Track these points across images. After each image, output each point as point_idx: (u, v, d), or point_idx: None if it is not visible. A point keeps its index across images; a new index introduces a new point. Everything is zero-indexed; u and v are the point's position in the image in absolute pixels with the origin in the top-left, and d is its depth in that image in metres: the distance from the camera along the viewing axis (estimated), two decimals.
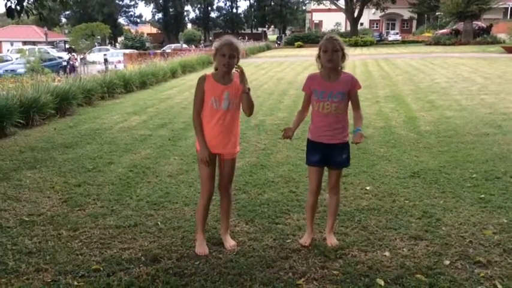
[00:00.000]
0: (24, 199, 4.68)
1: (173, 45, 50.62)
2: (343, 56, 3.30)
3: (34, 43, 44.84)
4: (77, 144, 7.05)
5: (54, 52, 35.86)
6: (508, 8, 50.60)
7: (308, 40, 48.97)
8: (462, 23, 39.09)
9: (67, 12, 70.95)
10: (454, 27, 42.12)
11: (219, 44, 3.26)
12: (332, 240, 3.54)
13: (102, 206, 4.45)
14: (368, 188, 4.86)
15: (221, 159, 3.44)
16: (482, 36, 37.96)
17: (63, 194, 4.83)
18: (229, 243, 3.55)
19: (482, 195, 4.52)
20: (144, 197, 4.68)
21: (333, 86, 3.29)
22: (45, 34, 48.72)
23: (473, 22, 38.78)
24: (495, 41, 35.70)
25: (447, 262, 3.26)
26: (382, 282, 3.01)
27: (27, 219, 4.16)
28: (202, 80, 3.33)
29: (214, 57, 3.32)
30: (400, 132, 7.44)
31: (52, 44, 49.70)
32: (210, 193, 3.47)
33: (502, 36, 35.12)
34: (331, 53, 3.23)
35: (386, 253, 3.42)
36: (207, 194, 3.46)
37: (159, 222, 4.05)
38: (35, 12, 8.76)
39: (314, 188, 3.51)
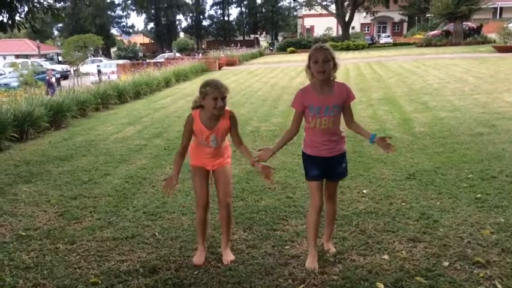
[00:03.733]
0: (20, 213, 4.66)
1: (166, 55, 50.71)
2: (335, 66, 3.11)
3: (27, 56, 44.78)
4: (72, 156, 7.02)
5: (47, 65, 35.80)
6: (497, 7, 51.00)
7: (300, 45, 49.14)
8: (452, 24, 39.37)
9: (59, 25, 71.04)
10: (444, 28, 42.40)
11: (209, 88, 3.19)
12: (331, 249, 3.52)
13: (99, 218, 4.43)
14: (365, 191, 4.87)
15: (214, 170, 3.48)
16: (473, 37, 38.25)
17: (59, 207, 4.80)
18: (228, 258, 3.47)
19: (479, 195, 4.53)
20: (140, 208, 4.67)
21: (329, 100, 3.12)
22: (38, 47, 48.68)
23: (464, 23, 39.06)
24: (485, 41, 35.96)
25: (446, 263, 3.26)
26: (382, 286, 3.01)
27: (23, 233, 4.13)
28: (190, 121, 3.32)
29: (201, 100, 3.26)
30: (394, 135, 7.45)
31: (45, 56, 49.63)
32: (204, 206, 3.47)
33: (492, 36, 35.34)
34: (322, 64, 3.04)
35: (385, 256, 3.42)
36: (201, 207, 3.47)
37: (156, 233, 4.03)
38: (27, 25, 8.77)
39: (318, 204, 3.28)
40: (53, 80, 18.46)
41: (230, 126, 3.38)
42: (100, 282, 3.22)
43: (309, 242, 3.42)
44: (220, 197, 3.47)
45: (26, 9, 8.36)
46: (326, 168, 3.27)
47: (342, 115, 3.25)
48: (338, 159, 3.28)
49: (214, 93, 3.18)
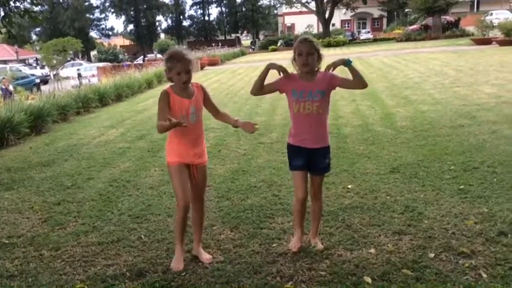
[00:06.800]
0: (3, 221, 4.58)
1: (148, 56, 50.40)
2: (319, 58, 3.21)
3: (5, 62, 44.02)
4: (54, 161, 6.93)
5: (26, 70, 35.29)
6: (474, 1, 51.73)
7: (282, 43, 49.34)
8: (431, 18, 39.86)
9: (37, 29, 70.08)
10: (423, 22, 42.91)
11: (171, 62, 3.15)
12: (318, 245, 3.53)
13: (84, 223, 4.38)
14: (350, 186, 4.89)
15: (193, 168, 3.35)
16: (451, 30, 38.78)
17: (42, 213, 4.73)
18: (205, 256, 3.46)
19: (462, 186, 4.59)
20: (125, 211, 4.62)
21: (312, 85, 3.20)
22: (16, 52, 47.94)
23: (442, 17, 39.57)
24: (464, 34, 36.50)
25: (432, 255, 3.30)
26: (369, 280, 3.03)
27: (6, 241, 4.07)
28: (166, 95, 3.19)
29: (168, 73, 3.22)
30: (377, 129, 7.51)
31: (24, 61, 48.88)
32: (186, 204, 3.31)
33: (470, 29, 35.88)
34: (306, 57, 3.15)
35: (372, 250, 3.44)
36: (183, 205, 3.29)
37: (142, 236, 3.99)
38: (3, 30, 8.63)
39: (301, 196, 3.36)
40: (11, 88, 17.89)
41: (204, 98, 3.34)
42: (86, 287, 3.19)
43: (294, 227, 3.58)
44: (197, 193, 3.41)
45: (2, 13, 8.23)
46: (309, 160, 3.31)
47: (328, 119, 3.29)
48: (322, 152, 3.31)
49: (177, 67, 3.12)
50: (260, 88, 3.36)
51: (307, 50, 3.15)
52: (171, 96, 3.20)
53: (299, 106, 3.24)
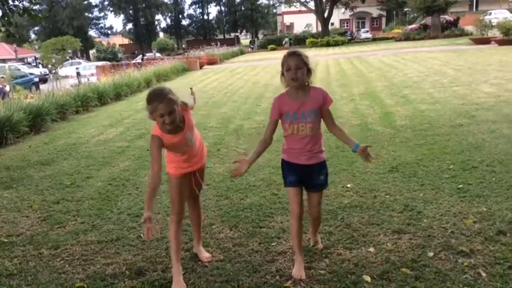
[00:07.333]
0: (2, 220, 4.58)
1: (147, 55, 50.42)
2: (309, 72, 3.00)
3: (4, 61, 43.95)
4: (53, 160, 6.93)
5: (25, 69, 35.23)
6: (473, 0, 51.74)
7: (280, 42, 49.32)
8: (430, 17, 39.87)
9: (36, 28, 70.04)
10: (422, 22, 42.93)
11: (152, 104, 2.85)
12: (318, 244, 3.53)
13: (83, 222, 4.38)
14: (349, 185, 4.89)
15: (194, 172, 3.30)
16: (450, 30, 38.79)
17: (41, 212, 4.73)
18: (205, 255, 3.47)
19: (461, 185, 4.59)
20: (125, 210, 4.62)
21: (304, 105, 3.01)
22: (15, 51, 47.89)
23: (441, 16, 39.57)
24: (463, 34, 36.52)
25: (431, 254, 3.30)
26: (368, 279, 3.03)
27: (6, 240, 4.07)
28: (158, 140, 2.97)
29: (150, 116, 2.92)
30: (376, 129, 7.51)
31: (23, 60, 48.81)
32: (181, 214, 3.24)
33: (469, 28, 35.89)
34: (295, 71, 2.94)
35: (371, 249, 3.44)
36: (177, 214, 3.20)
37: (141, 235, 3.99)
38: (2, 29, 8.63)
39: (296, 211, 3.14)
40: (7, 88, 17.82)
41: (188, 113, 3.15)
42: (86, 286, 3.19)
43: (294, 249, 3.29)
44: (195, 194, 3.40)
45: (1, 13, 8.22)
46: (303, 176, 3.14)
47: (321, 126, 3.14)
48: (316, 168, 3.15)
49: (159, 110, 2.82)
50: (269, 142, 3.20)
51: (295, 64, 2.94)
52: (163, 139, 2.99)
53: (292, 128, 3.06)
